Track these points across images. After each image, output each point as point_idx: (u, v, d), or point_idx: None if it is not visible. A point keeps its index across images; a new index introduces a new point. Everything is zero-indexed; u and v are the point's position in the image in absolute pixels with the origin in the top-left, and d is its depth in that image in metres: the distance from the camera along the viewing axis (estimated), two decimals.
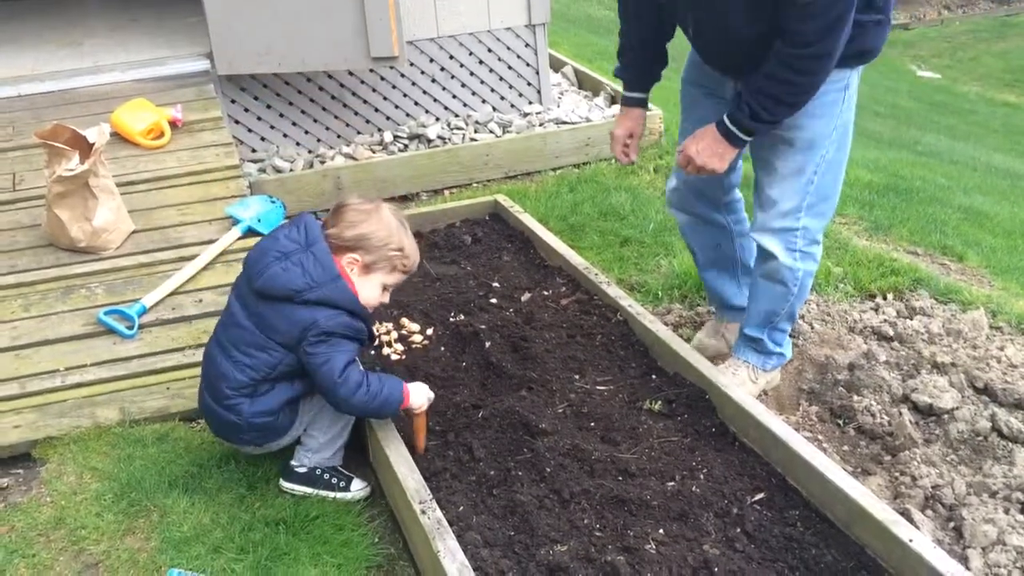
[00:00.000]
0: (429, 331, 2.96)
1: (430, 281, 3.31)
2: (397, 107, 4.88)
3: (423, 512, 2.07)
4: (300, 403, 2.39)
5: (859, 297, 3.44)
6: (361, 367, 2.31)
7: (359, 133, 4.83)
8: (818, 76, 2.23)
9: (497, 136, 4.79)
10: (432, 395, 2.39)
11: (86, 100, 4.24)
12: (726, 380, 2.56)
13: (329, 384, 2.22)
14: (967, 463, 2.55)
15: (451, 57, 4.90)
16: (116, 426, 2.64)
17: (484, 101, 5.04)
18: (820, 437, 2.70)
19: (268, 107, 4.63)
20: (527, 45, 5.00)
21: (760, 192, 2.58)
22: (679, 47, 2.59)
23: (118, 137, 3.89)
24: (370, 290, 2.36)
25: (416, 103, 4.91)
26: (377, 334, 2.88)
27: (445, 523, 2.04)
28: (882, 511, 2.03)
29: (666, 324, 3.04)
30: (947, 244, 3.99)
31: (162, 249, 3.38)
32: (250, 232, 3.43)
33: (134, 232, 3.45)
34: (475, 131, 4.86)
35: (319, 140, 4.78)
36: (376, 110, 4.84)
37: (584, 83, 5.59)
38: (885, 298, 3.42)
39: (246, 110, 4.60)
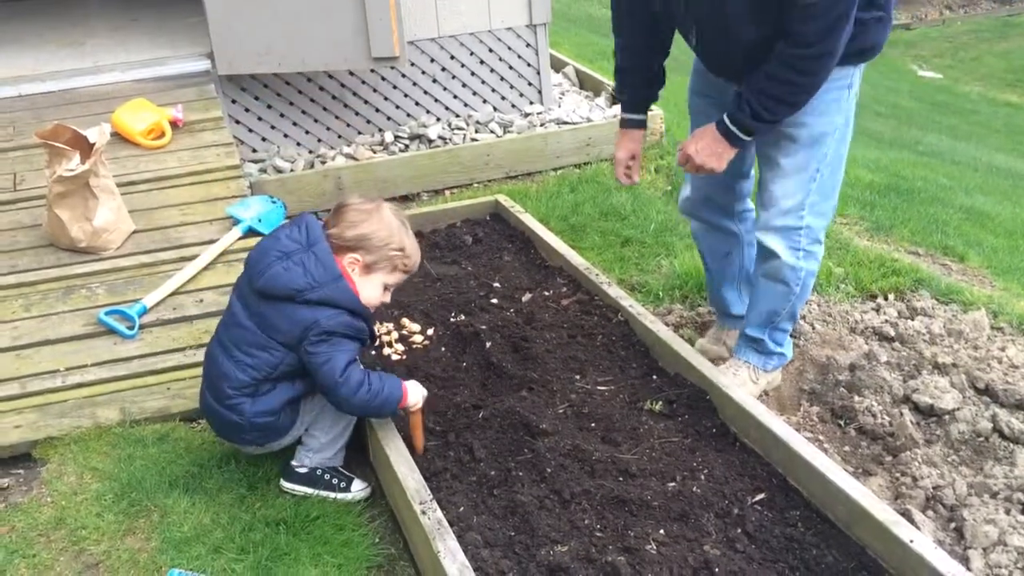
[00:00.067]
0: (430, 331, 2.96)
1: (431, 281, 3.31)
2: (398, 107, 4.88)
3: (423, 512, 2.07)
4: (301, 403, 2.39)
5: (860, 297, 3.43)
6: (361, 367, 2.31)
7: (360, 133, 4.83)
8: (819, 76, 2.24)
9: (498, 136, 4.79)
10: (425, 392, 2.40)
11: (87, 100, 4.24)
12: (727, 381, 2.56)
13: (330, 383, 2.23)
14: (968, 464, 2.55)
15: (452, 57, 4.89)
16: (117, 426, 2.64)
17: (485, 101, 5.04)
18: (821, 437, 2.70)
19: (269, 107, 4.63)
20: (528, 45, 5.00)
21: (763, 189, 2.58)
22: (685, 53, 2.59)
23: (119, 137, 3.89)
24: (371, 290, 2.37)
25: (417, 103, 4.91)
26: (378, 334, 2.88)
27: (445, 523, 2.04)
28: (883, 512, 2.03)
29: (667, 324, 3.04)
30: (948, 244, 3.99)
31: (163, 249, 3.38)
32: (251, 232, 3.43)
33: (135, 232, 3.45)
34: (476, 131, 4.86)
35: (320, 140, 4.77)
36: (377, 110, 4.84)
37: (585, 83, 5.58)
38: (886, 298, 3.42)
39: (247, 110, 4.60)
